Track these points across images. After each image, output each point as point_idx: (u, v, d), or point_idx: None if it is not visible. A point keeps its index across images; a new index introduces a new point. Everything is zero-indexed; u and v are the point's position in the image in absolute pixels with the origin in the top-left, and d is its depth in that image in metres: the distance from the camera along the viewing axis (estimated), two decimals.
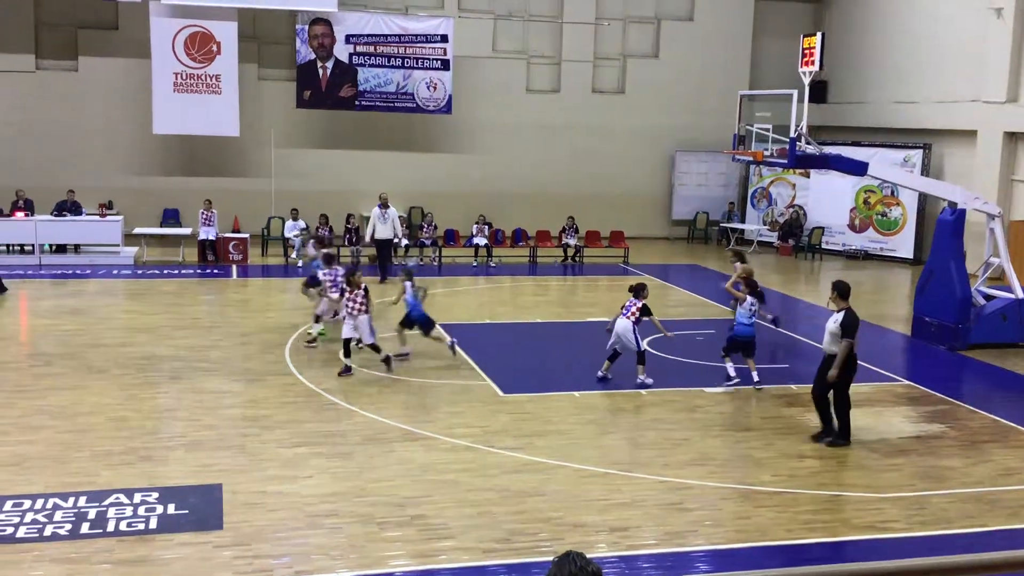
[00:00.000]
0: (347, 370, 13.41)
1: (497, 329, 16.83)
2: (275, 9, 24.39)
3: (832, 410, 11.16)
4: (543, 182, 27.74)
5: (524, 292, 21.09)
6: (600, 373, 13.40)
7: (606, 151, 28.31)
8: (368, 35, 25.32)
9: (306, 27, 24.89)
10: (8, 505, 8.64)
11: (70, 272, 20.95)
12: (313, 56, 25.08)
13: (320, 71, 25.22)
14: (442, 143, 27.25)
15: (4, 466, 9.65)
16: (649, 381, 13.15)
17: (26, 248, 21.82)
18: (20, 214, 21.89)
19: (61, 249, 22.26)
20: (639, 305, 13.11)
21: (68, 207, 22.41)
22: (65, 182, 23.45)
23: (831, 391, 11.09)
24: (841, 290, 11.03)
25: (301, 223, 23.55)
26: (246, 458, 10.17)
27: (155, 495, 9.02)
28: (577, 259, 24.21)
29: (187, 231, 23.67)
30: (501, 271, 23.07)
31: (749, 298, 13.28)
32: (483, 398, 12.65)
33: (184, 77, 23.94)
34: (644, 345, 13.37)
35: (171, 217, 25.65)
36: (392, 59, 25.51)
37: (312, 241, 17.59)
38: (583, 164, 28.08)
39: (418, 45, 25.54)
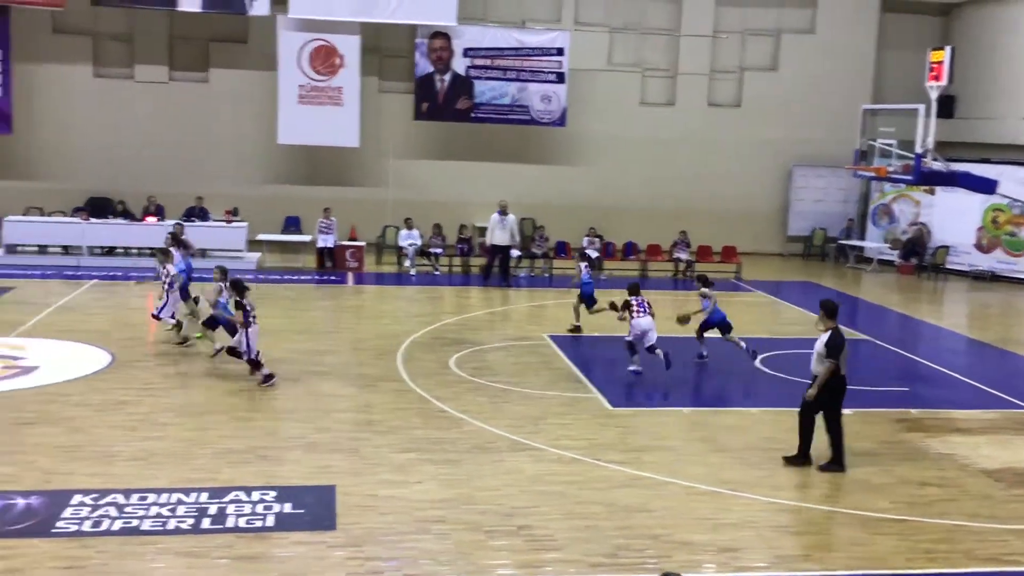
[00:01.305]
0: (268, 378, 13.10)
1: (605, 342, 16.76)
2: (397, 23, 24.90)
3: (828, 435, 10.70)
4: (655, 195, 27.53)
5: None
6: (632, 368, 14.31)
7: (720, 165, 27.92)
8: (485, 48, 25.62)
9: (426, 40, 25.36)
10: (135, 498, 9.03)
11: (196, 276, 21.73)
12: (432, 69, 25.52)
13: (438, 84, 25.64)
14: (555, 155, 27.34)
15: (132, 460, 10.09)
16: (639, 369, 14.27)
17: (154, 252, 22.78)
18: (151, 219, 22.88)
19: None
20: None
21: (196, 213, 23.33)
22: (194, 189, 24.42)
23: (818, 414, 10.65)
24: (828, 310, 10.78)
25: (415, 232, 23.96)
26: (359, 461, 10.39)
27: (273, 494, 9.30)
28: (688, 274, 23.92)
29: (307, 238, 24.34)
30: (611, 284, 22.97)
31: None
32: (591, 411, 12.62)
33: (308, 89, 24.67)
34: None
35: (292, 224, 26.40)
36: (508, 72, 25.75)
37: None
38: (696, 178, 27.75)
39: (534, 58, 25.72)
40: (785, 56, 28.24)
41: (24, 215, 23.34)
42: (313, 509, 9.01)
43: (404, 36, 25.94)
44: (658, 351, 14.02)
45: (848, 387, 10.74)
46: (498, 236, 21.99)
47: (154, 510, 8.80)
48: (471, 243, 24.53)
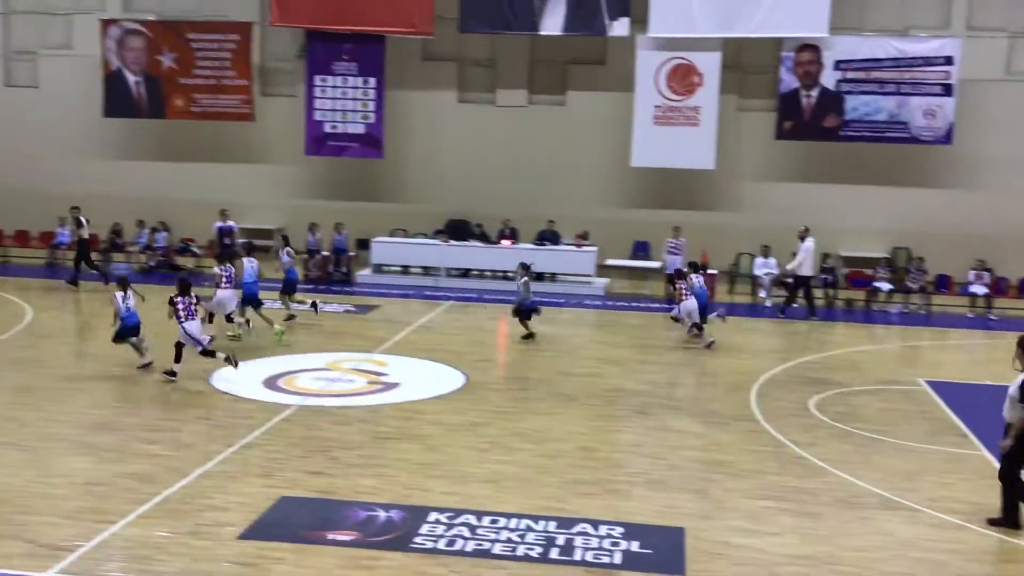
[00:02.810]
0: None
1: (994, 391, 15.31)
2: (762, 37, 24.56)
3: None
4: None
5: None
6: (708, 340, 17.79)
7: None
8: (860, 60, 24.51)
9: (792, 54, 24.77)
10: (486, 520, 9.56)
11: (546, 300, 22.72)
12: (797, 84, 24.87)
13: (804, 100, 24.92)
14: (938, 177, 25.53)
15: (484, 482, 10.69)
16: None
17: (509, 275, 24.09)
18: (506, 242, 24.25)
19: (539, 277, 24.25)
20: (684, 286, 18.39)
21: (548, 236, 24.42)
22: (546, 212, 25.57)
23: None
24: None
25: (772, 261, 23.41)
26: (709, 504, 10.27)
27: (620, 529, 9.44)
28: None
29: (655, 264, 24.60)
30: (1003, 325, 21.02)
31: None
32: (977, 470, 11.58)
33: (664, 109, 25.00)
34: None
35: (640, 250, 26.82)
36: (885, 85, 24.46)
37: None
38: None
39: (916, 69, 24.22)
40: None
41: (390, 236, 25.68)
42: (661, 550, 9.03)
43: (768, 50, 25.50)
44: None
45: None
46: (807, 266, 21.79)
47: (504, 534, 9.25)
48: (835, 273, 23.54)
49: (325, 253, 24.37)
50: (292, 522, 9.37)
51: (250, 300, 17.68)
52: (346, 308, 20.86)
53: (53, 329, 17.95)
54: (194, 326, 14.42)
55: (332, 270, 24.19)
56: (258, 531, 9.13)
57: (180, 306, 14.33)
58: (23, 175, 28.47)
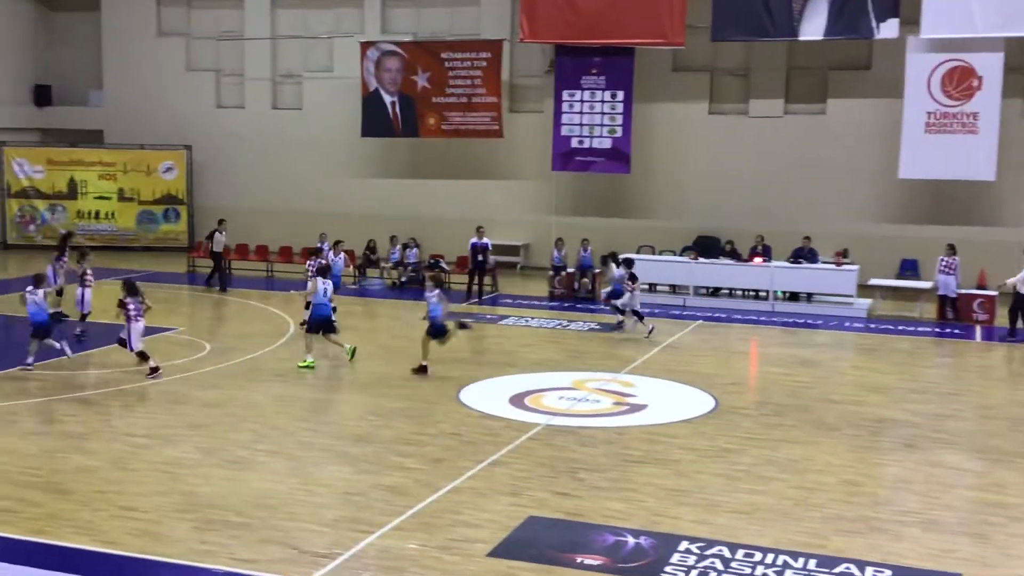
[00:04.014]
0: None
1: None
2: None
3: None
4: None
5: None
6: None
7: None
8: None
9: None
10: (740, 553, 9.35)
11: (801, 321, 22.07)
12: None
13: None
14: None
15: (736, 513, 10.47)
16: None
17: (760, 294, 23.57)
18: (758, 259, 23.72)
19: (794, 297, 23.56)
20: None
21: (804, 254, 23.67)
22: (802, 228, 24.80)
23: None
24: None
25: None
26: (991, 550, 9.60)
27: (888, 572, 8.98)
28: None
29: (925, 285, 23.30)
30: None
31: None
32: None
33: (937, 116, 23.69)
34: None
35: (908, 268, 25.53)
36: None
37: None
38: None
39: None
40: None
41: (637, 252, 25.70)
42: None
43: None
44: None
45: None
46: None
47: (760, 570, 9.01)
48: None
49: (570, 270, 24.72)
50: (540, 542, 9.54)
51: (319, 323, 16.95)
52: (590, 326, 21.06)
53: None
54: (141, 327, 15.78)
55: (577, 287, 24.50)
56: (507, 549, 9.35)
57: (132, 307, 15.71)
58: (287, 193, 30.72)
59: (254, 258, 28.25)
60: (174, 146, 31.53)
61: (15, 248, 31.12)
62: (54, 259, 19.93)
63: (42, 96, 33.67)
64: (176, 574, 8.75)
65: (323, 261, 19.45)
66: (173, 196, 31.72)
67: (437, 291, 16.61)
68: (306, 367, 16.54)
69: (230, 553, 9.16)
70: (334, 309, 17.99)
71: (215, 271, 24.98)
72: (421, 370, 16.10)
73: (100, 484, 10.94)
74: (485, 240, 24.26)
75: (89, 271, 18.94)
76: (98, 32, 32.88)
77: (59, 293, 19.80)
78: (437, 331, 16.33)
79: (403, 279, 26.13)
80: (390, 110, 28.81)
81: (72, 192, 31.46)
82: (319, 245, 23.69)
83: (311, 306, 17.31)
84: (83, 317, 18.68)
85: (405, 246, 26.69)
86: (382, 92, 28.80)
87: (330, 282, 17.27)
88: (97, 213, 31.51)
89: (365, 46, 28.93)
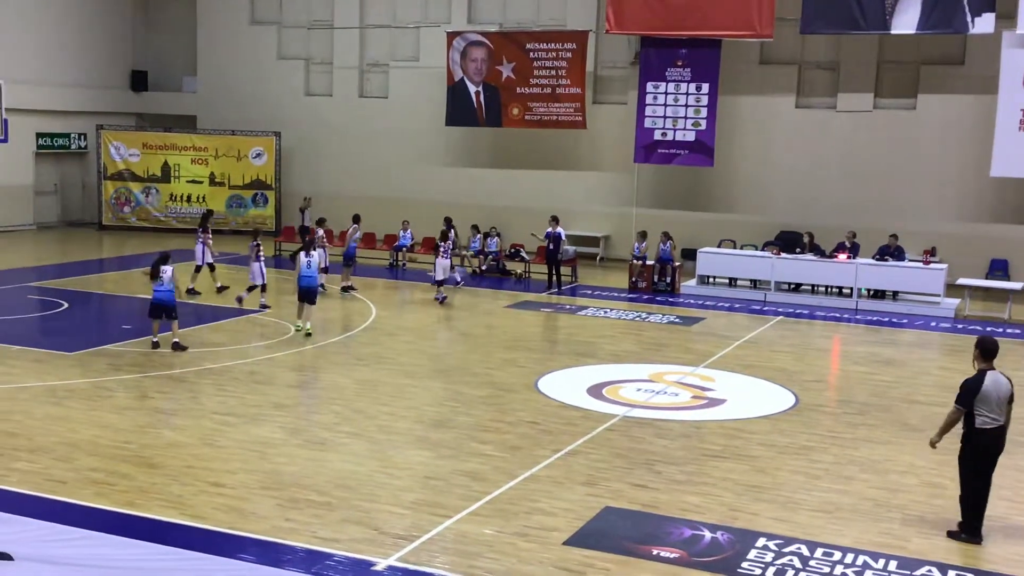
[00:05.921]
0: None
1: None
2: None
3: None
4: None
5: None
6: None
7: None
8: None
9: None
10: (819, 552, 9.23)
11: (886, 319, 21.63)
12: None
13: None
14: None
15: (816, 511, 10.33)
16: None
17: (844, 291, 23.14)
18: (842, 256, 23.29)
19: (879, 295, 23.09)
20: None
21: (891, 252, 23.17)
22: (888, 225, 24.31)
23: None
24: (985, 349, 9.92)
25: None
26: None
27: None
28: None
29: (1016, 285, 22.65)
30: None
31: None
32: None
33: None
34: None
35: (998, 268, 24.86)
36: None
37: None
38: None
39: None
40: None
41: (718, 247, 25.44)
42: None
43: None
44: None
45: None
46: None
47: (839, 569, 8.88)
48: None
49: (651, 262, 24.57)
50: (616, 533, 9.53)
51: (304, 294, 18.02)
52: (670, 320, 20.93)
53: (394, 327, 19.39)
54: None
55: (657, 280, 24.35)
56: (583, 539, 9.37)
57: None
58: (372, 180, 31.06)
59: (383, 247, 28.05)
60: (264, 132, 32.09)
61: (110, 229, 32.00)
62: (199, 235, 21.66)
63: (138, 82, 34.60)
64: (262, 550, 8.95)
65: (321, 236, 22.34)
66: (262, 181, 32.29)
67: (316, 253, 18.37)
68: (300, 331, 17.80)
69: (312, 532, 9.34)
70: (322, 286, 20.48)
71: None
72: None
73: (189, 460, 11.24)
74: (559, 230, 24.22)
75: (261, 246, 20.20)
76: (193, 20, 33.61)
77: (211, 268, 21.77)
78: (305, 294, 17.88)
79: (483, 267, 26.25)
80: (474, 100, 28.93)
81: (165, 175, 32.22)
82: (444, 228, 24.42)
83: (299, 277, 18.08)
84: (261, 288, 20.02)
85: (486, 235, 26.78)
86: (467, 82, 28.93)
87: (314, 256, 18.28)
88: (189, 196, 32.23)
89: (451, 36, 29.07)
